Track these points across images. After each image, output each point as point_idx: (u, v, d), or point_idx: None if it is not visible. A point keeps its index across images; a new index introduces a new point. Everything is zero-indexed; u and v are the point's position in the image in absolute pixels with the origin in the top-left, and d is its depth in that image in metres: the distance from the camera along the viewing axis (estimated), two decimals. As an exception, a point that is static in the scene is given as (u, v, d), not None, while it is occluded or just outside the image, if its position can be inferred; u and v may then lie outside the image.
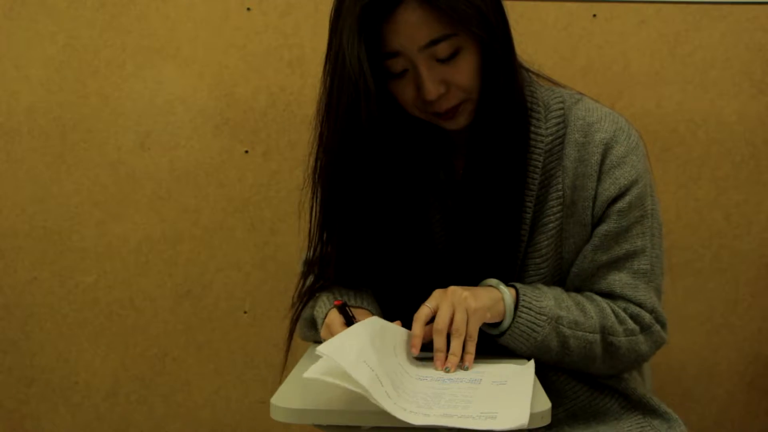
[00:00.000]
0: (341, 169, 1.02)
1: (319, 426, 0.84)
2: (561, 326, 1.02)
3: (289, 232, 1.72)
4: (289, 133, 1.71)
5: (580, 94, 1.14)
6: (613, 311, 1.06)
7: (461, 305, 0.96)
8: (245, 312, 1.76)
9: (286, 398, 0.86)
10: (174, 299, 1.76)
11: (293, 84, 1.70)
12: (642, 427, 1.09)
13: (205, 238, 1.74)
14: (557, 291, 1.07)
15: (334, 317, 1.03)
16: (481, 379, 0.92)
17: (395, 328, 0.99)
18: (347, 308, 1.02)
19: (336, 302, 1.02)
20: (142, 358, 1.77)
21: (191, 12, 1.69)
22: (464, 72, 0.99)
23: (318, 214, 1.09)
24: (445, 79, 0.99)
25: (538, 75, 1.13)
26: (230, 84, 1.70)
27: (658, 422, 1.10)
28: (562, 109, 1.08)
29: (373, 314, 1.06)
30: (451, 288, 0.99)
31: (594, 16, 1.67)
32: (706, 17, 1.67)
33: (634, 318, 1.07)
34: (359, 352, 0.83)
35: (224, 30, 1.69)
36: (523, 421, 0.78)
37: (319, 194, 1.07)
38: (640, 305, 1.07)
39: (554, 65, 1.67)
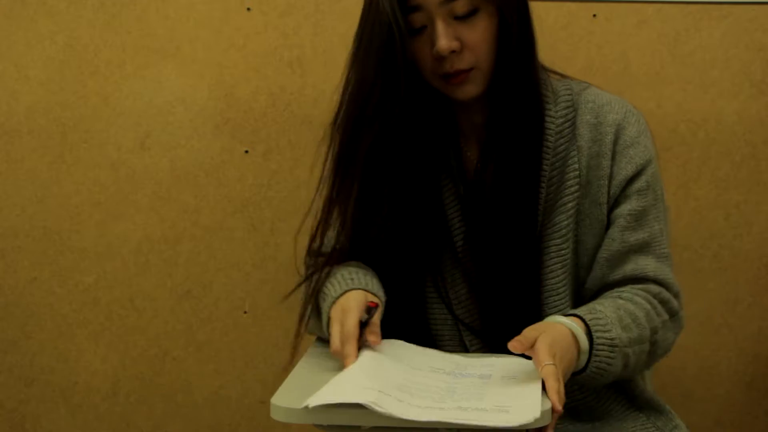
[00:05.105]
0: (366, 114, 1.03)
1: (319, 426, 0.84)
2: (625, 348, 0.99)
3: (289, 232, 1.72)
4: (289, 133, 1.71)
5: (587, 83, 1.16)
6: (651, 305, 1.05)
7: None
8: (245, 312, 1.76)
9: (286, 398, 0.86)
10: (174, 299, 1.76)
11: (293, 84, 1.70)
12: (646, 427, 1.09)
13: (205, 238, 1.74)
14: (613, 306, 1.02)
15: (353, 304, 0.98)
16: (491, 375, 0.94)
17: (387, 343, 0.99)
18: (372, 312, 0.98)
19: (371, 303, 0.99)
20: (142, 358, 1.77)
21: (191, 12, 1.69)
22: (479, 32, 1.02)
23: (328, 183, 1.07)
24: (460, 36, 1.02)
25: (543, 67, 1.15)
26: (230, 84, 1.70)
27: (662, 422, 1.10)
28: (570, 94, 1.11)
29: (378, 305, 1.02)
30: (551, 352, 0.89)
31: (594, 16, 1.67)
32: (706, 17, 1.67)
33: (665, 304, 1.07)
34: (354, 384, 0.85)
35: (224, 30, 1.69)
36: (535, 414, 0.79)
37: (335, 148, 1.07)
38: (668, 288, 1.08)
39: (554, 65, 1.66)
